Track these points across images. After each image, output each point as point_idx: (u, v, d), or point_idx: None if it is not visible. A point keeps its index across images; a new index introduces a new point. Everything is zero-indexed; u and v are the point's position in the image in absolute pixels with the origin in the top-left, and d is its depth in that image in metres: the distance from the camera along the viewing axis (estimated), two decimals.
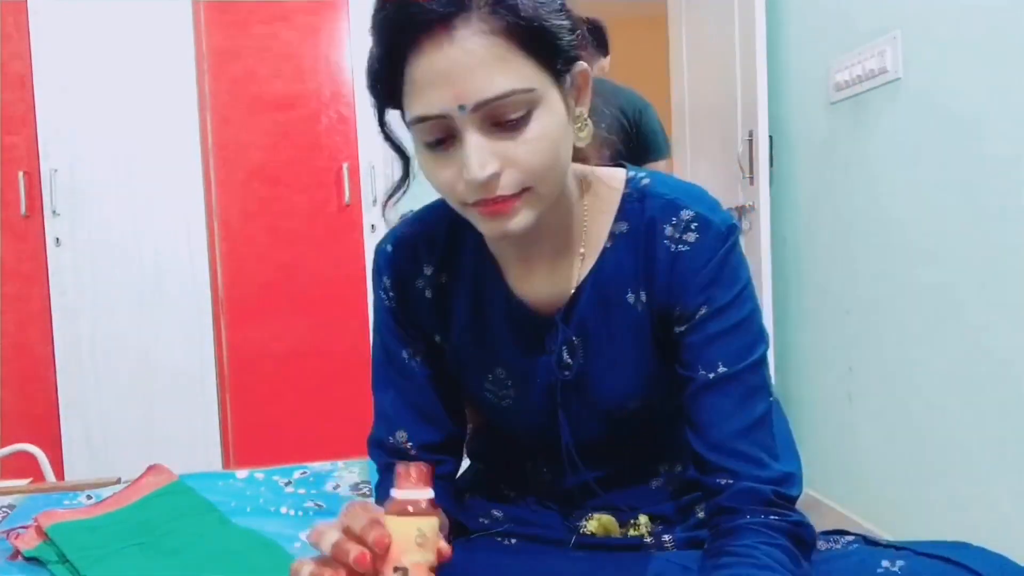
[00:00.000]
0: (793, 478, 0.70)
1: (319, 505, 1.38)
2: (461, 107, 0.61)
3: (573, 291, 0.76)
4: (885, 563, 0.67)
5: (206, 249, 2.55)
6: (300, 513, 1.34)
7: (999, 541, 0.73)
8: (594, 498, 0.81)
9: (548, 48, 0.64)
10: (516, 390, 0.80)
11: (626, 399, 0.78)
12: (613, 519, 0.81)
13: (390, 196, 0.76)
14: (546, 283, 0.77)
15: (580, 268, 0.76)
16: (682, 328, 0.73)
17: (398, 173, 0.75)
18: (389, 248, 0.81)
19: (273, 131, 2.58)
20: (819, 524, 0.75)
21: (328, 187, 2.61)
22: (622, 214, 0.75)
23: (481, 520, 0.84)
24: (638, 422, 0.80)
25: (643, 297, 0.75)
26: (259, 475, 1.54)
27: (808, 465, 2.51)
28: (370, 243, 2.62)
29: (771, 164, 2.40)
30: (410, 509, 0.59)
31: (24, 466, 1.95)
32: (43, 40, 2.45)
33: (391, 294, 0.80)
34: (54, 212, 2.45)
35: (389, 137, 0.72)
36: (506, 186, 0.64)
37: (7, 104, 2.44)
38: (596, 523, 0.80)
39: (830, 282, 2.25)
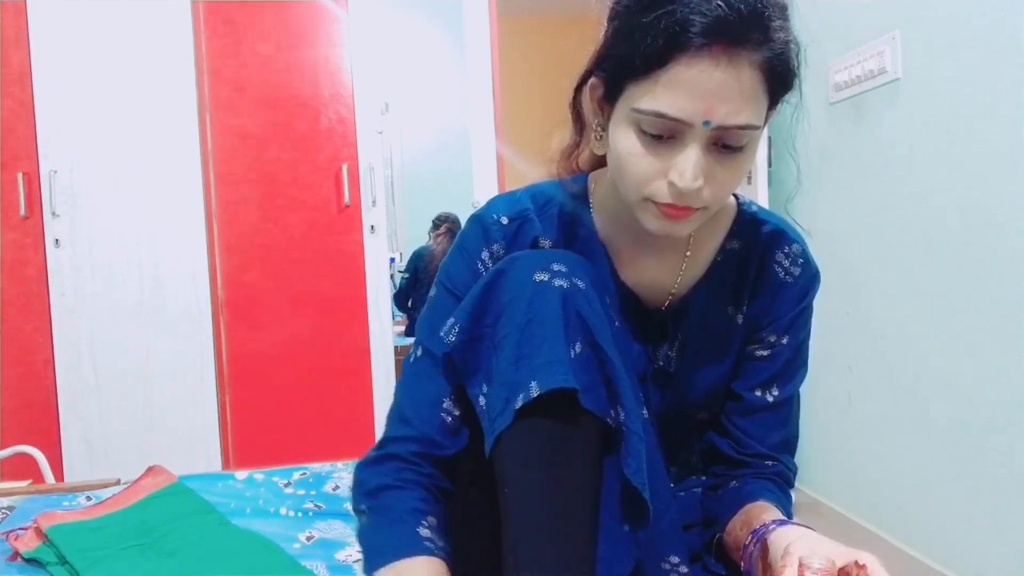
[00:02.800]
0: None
1: (319, 506, 1.38)
2: (706, 123, 0.64)
3: (677, 290, 0.80)
4: None
5: (206, 250, 2.55)
6: (300, 514, 1.34)
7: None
8: None
9: (784, 92, 0.71)
10: None
11: (706, 403, 0.83)
12: None
13: (569, 155, 0.82)
14: (650, 276, 0.80)
15: (685, 270, 0.80)
16: (761, 350, 0.82)
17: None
18: (504, 220, 0.79)
19: (273, 132, 2.57)
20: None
21: (328, 187, 2.61)
22: (735, 232, 0.82)
23: None
24: (697, 423, 0.86)
25: (744, 311, 0.82)
26: (259, 476, 1.54)
27: (808, 465, 2.50)
28: (370, 243, 2.62)
29: (770, 164, 2.40)
30: None
31: (24, 467, 1.95)
32: (43, 40, 2.44)
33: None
34: (54, 213, 2.45)
35: (578, 105, 0.75)
36: (699, 200, 0.67)
37: (7, 104, 2.44)
38: None
39: (829, 282, 2.24)
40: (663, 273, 0.80)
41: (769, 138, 2.38)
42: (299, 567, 1.09)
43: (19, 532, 1.17)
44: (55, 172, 2.45)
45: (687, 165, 0.65)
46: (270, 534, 1.20)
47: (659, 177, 0.67)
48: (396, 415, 0.79)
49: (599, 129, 0.74)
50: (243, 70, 2.55)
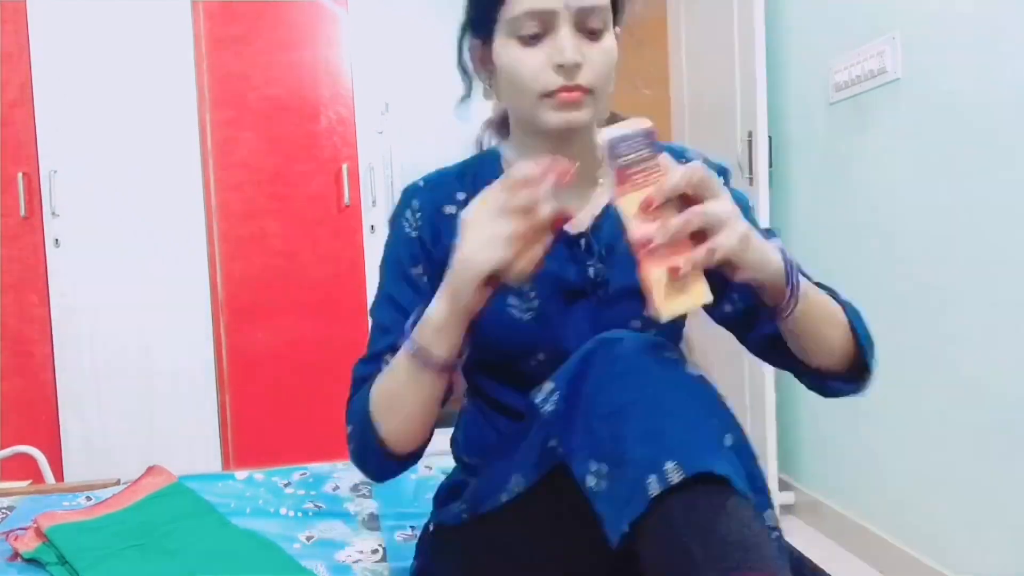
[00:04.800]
0: None
1: (319, 506, 1.38)
2: (567, 5, 0.77)
3: (596, 214, 0.88)
4: None
5: (206, 249, 2.55)
6: (299, 514, 1.34)
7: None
8: None
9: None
10: (541, 301, 0.85)
11: (633, 311, 0.85)
12: None
13: (464, 98, 0.94)
14: (572, 208, 0.84)
15: (599, 196, 0.89)
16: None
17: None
18: (421, 183, 0.93)
19: (273, 132, 2.57)
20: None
21: (328, 187, 2.61)
22: None
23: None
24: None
25: None
26: (258, 476, 1.54)
27: (808, 465, 2.51)
28: (370, 243, 2.62)
29: (770, 165, 2.40)
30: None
31: (23, 467, 1.96)
32: (43, 40, 2.44)
33: (418, 215, 0.89)
34: (53, 213, 2.45)
35: (463, 64, 0.89)
36: (582, 78, 0.79)
37: (7, 104, 2.44)
38: None
39: (830, 282, 2.24)
40: (584, 204, 0.89)
41: (770, 138, 2.38)
42: (299, 567, 1.09)
43: (19, 532, 1.17)
44: (55, 172, 2.45)
45: (564, 43, 0.78)
46: (270, 534, 1.20)
47: (545, 69, 0.79)
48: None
49: (489, 81, 0.88)
50: (243, 70, 2.55)
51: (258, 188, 2.58)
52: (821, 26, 2.24)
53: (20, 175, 2.44)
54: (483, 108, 0.98)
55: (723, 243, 0.64)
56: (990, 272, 1.65)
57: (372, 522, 1.30)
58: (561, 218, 0.68)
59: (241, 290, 2.58)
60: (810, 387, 0.89)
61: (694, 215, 0.63)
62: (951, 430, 1.78)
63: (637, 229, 0.62)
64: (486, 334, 0.81)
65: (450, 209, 0.88)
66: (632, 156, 0.62)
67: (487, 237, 0.67)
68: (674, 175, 0.63)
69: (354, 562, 1.14)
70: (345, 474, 1.55)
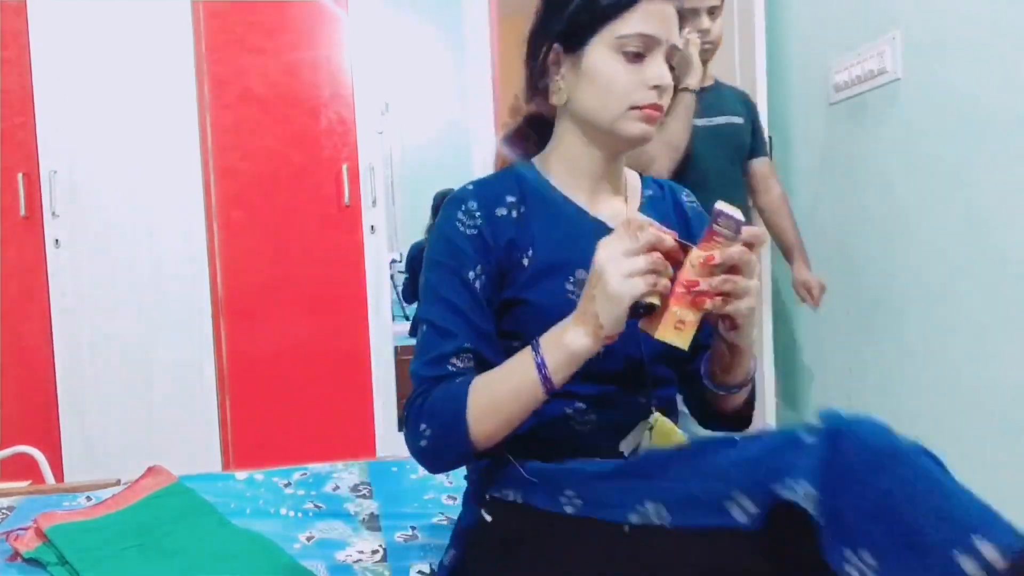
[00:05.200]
0: None
1: (319, 506, 1.38)
2: (667, 39, 0.91)
3: (638, 207, 1.02)
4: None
5: (206, 250, 2.55)
6: (299, 514, 1.34)
7: None
8: (646, 395, 0.95)
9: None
10: None
11: None
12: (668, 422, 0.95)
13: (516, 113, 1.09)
14: (607, 211, 0.99)
15: (628, 206, 1.02)
16: None
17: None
18: (471, 186, 0.97)
19: (273, 132, 2.57)
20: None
21: (328, 187, 2.60)
22: (646, 184, 1.07)
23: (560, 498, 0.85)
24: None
25: None
26: (259, 476, 1.54)
27: None
28: (370, 243, 2.62)
29: None
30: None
31: (24, 468, 1.95)
32: (43, 40, 2.44)
33: (477, 215, 0.94)
34: (53, 213, 2.45)
35: (533, 70, 0.99)
36: (664, 99, 0.93)
37: (7, 104, 2.43)
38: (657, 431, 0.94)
39: (830, 282, 2.24)
40: (616, 209, 1.01)
41: (770, 138, 2.38)
42: (299, 567, 1.09)
43: (19, 532, 1.17)
44: (55, 172, 2.44)
45: (662, 70, 0.91)
46: (270, 534, 1.20)
47: (641, 86, 0.91)
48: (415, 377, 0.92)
49: (557, 82, 0.96)
50: (243, 70, 2.55)
51: (258, 188, 2.57)
52: (821, 26, 2.24)
53: (20, 175, 2.44)
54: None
55: (740, 307, 0.82)
56: (990, 272, 1.65)
57: (372, 522, 1.30)
58: (677, 251, 0.80)
59: (241, 290, 2.58)
60: (699, 416, 1.06)
61: (734, 281, 0.80)
62: (949, 430, 1.78)
63: (689, 272, 0.80)
64: (554, 320, 0.87)
65: (501, 211, 0.95)
66: (724, 229, 0.79)
67: (627, 272, 0.77)
68: (735, 250, 0.80)
69: (354, 562, 1.14)
70: (345, 474, 1.55)
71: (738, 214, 0.80)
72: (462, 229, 0.93)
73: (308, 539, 1.23)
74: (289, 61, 2.57)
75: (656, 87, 0.91)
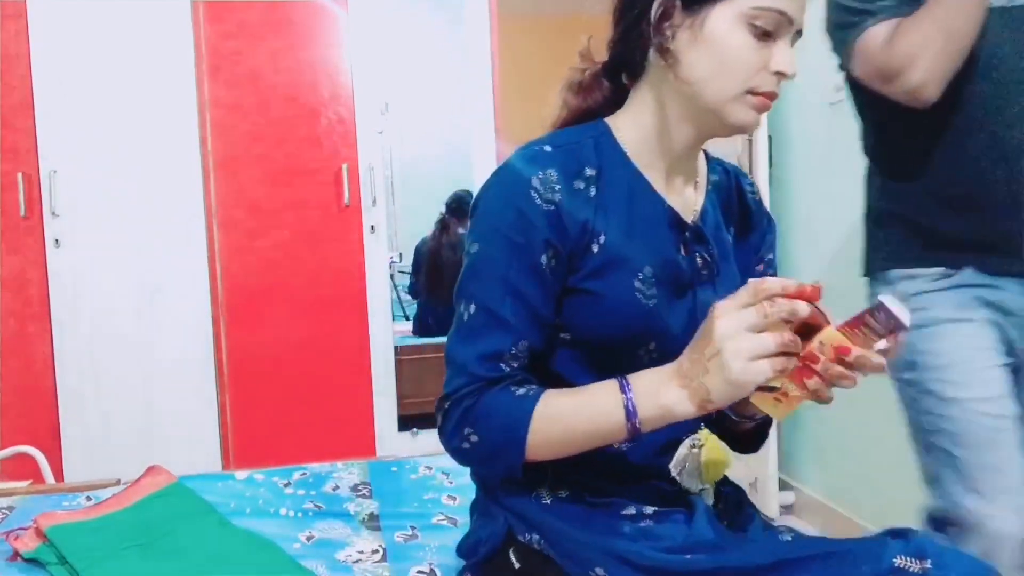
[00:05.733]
0: None
1: (319, 506, 1.38)
2: (798, 21, 0.81)
3: (698, 209, 0.91)
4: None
5: (206, 249, 2.55)
6: (299, 514, 1.34)
7: None
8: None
9: None
10: (660, 289, 0.84)
11: None
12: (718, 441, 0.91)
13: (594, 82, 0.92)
14: (678, 198, 0.89)
15: (697, 192, 0.92)
16: (760, 268, 0.97)
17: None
18: (549, 148, 0.83)
19: (272, 131, 2.57)
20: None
21: (328, 187, 2.61)
22: (712, 168, 0.96)
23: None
24: None
25: (732, 228, 0.95)
26: (259, 476, 1.54)
27: (808, 465, 2.50)
28: (370, 243, 2.62)
29: (770, 165, 2.40)
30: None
31: (23, 467, 1.95)
32: (43, 41, 2.44)
33: (557, 187, 0.81)
34: (53, 213, 2.45)
35: (638, 25, 0.83)
36: (779, 91, 0.83)
37: (7, 105, 2.43)
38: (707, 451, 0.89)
39: (830, 282, 2.24)
40: (689, 199, 0.91)
41: (770, 138, 2.38)
42: (299, 567, 1.09)
43: (19, 532, 1.17)
44: (55, 172, 2.45)
45: (791, 56, 0.81)
46: (270, 534, 1.20)
47: (761, 70, 0.80)
48: (452, 366, 0.83)
49: (668, 36, 0.81)
50: (243, 70, 2.55)
51: (258, 188, 2.58)
52: (821, 26, 2.24)
53: (20, 175, 2.44)
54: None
55: (830, 396, 0.73)
56: None
57: (372, 522, 1.30)
58: (815, 317, 0.70)
59: (241, 290, 2.58)
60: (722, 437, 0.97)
61: (851, 379, 0.71)
62: None
63: (816, 348, 0.70)
64: (615, 317, 0.82)
65: (580, 184, 0.82)
66: (876, 324, 0.68)
67: (753, 355, 0.68)
68: (876, 360, 0.69)
69: (354, 562, 1.14)
70: (345, 474, 1.55)
71: (903, 314, 0.67)
72: (538, 202, 0.80)
73: (308, 539, 1.23)
74: (289, 61, 2.57)
75: (779, 73, 0.81)
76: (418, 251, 3.67)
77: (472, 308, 0.82)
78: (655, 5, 0.81)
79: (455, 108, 3.39)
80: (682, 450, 0.87)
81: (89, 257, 2.49)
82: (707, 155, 0.97)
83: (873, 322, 0.68)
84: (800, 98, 2.37)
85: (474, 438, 0.80)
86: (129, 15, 2.49)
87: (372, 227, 2.61)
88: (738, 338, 0.68)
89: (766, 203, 2.33)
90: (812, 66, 2.30)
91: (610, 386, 0.77)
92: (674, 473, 0.86)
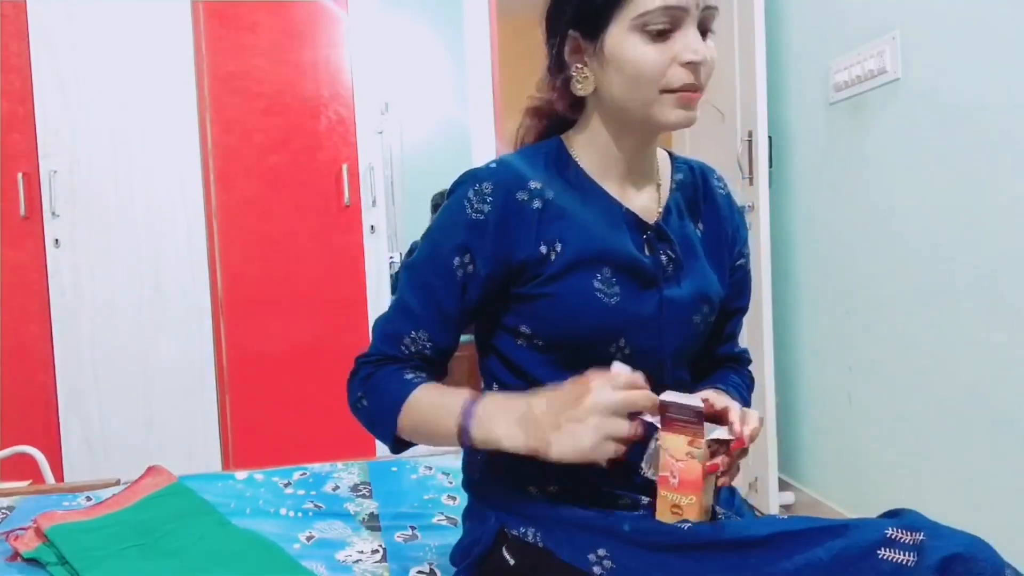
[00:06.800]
0: None
1: (319, 506, 1.38)
2: (697, 5, 0.81)
3: (661, 210, 0.94)
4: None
5: (206, 249, 2.55)
6: (299, 514, 1.34)
7: (999, 540, 0.73)
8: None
9: None
10: (622, 287, 0.88)
11: (695, 306, 0.93)
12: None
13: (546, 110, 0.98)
14: (639, 203, 0.93)
15: (659, 194, 0.95)
16: (735, 263, 1.01)
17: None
18: (494, 164, 0.91)
19: (272, 132, 2.57)
20: None
21: (328, 187, 2.60)
22: (676, 168, 0.99)
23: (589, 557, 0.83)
24: (697, 334, 0.96)
25: (701, 224, 0.98)
26: (259, 476, 1.54)
27: (808, 465, 2.51)
28: (370, 244, 2.62)
29: (770, 165, 2.40)
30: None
31: (24, 467, 1.96)
32: (43, 40, 2.44)
33: (488, 198, 0.87)
34: (53, 213, 2.45)
35: (560, 60, 0.90)
36: (702, 78, 0.83)
37: (7, 104, 2.43)
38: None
39: (830, 282, 2.25)
40: (648, 200, 0.95)
41: (770, 138, 2.38)
42: (299, 567, 1.09)
43: (19, 532, 1.17)
44: (55, 172, 2.45)
45: (694, 43, 0.81)
46: (270, 534, 1.20)
47: (672, 65, 0.82)
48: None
49: (581, 71, 0.88)
50: (243, 70, 2.55)
51: (258, 188, 2.57)
52: (821, 26, 2.24)
53: (20, 175, 2.44)
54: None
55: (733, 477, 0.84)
56: (990, 272, 1.65)
57: (372, 522, 1.30)
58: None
59: (241, 290, 2.58)
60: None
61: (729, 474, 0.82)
62: (949, 429, 1.78)
63: (667, 463, 0.78)
64: (577, 318, 0.86)
65: (522, 196, 0.88)
66: (681, 416, 0.76)
67: (608, 434, 0.74)
68: (727, 462, 0.80)
69: (354, 562, 1.14)
70: (345, 474, 1.55)
71: (687, 399, 0.76)
72: (468, 211, 0.87)
73: (308, 539, 1.23)
74: (289, 61, 2.57)
75: (689, 63, 0.81)
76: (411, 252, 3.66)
77: (395, 297, 0.93)
78: (566, 47, 0.88)
79: (455, 108, 3.40)
80: (652, 443, 0.88)
81: (89, 257, 2.49)
82: (672, 156, 1.01)
83: (678, 417, 0.76)
84: (800, 98, 2.38)
85: (365, 403, 0.91)
86: (129, 15, 2.49)
87: (372, 227, 2.61)
88: (603, 415, 0.74)
89: (766, 203, 2.35)
90: (812, 67, 2.31)
91: (462, 401, 0.83)
92: (644, 469, 0.87)
